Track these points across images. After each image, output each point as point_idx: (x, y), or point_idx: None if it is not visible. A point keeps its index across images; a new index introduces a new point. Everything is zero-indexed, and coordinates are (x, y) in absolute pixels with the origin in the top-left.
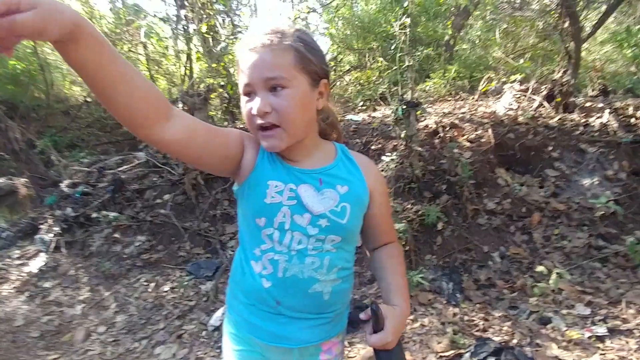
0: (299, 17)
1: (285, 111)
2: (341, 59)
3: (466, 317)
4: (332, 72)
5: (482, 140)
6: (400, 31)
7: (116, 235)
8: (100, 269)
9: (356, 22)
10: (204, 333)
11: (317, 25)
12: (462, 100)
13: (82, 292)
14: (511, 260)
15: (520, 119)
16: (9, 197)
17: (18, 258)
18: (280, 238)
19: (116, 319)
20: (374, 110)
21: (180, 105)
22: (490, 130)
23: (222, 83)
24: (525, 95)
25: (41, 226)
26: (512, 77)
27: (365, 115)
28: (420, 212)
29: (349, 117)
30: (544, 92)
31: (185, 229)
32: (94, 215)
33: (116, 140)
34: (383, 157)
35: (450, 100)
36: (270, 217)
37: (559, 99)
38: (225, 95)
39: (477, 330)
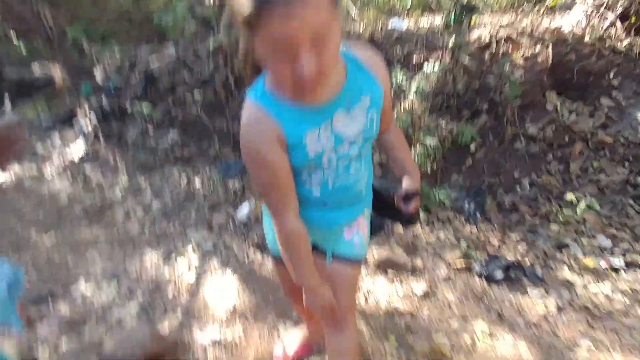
0: None
1: (328, 64)
2: None
3: (482, 236)
4: None
5: (539, 59)
6: None
7: (150, 129)
8: (136, 160)
9: None
10: (231, 225)
11: None
12: (525, 13)
13: (120, 178)
14: (540, 189)
15: (587, 38)
16: (46, 88)
17: (59, 144)
18: (329, 166)
19: (152, 205)
20: (422, 15)
21: None
22: (550, 48)
23: None
24: (597, 11)
25: (77, 115)
26: None
27: (411, 22)
28: (454, 131)
29: (392, 21)
30: (619, 10)
31: (215, 128)
32: (128, 108)
33: (145, 33)
34: (425, 66)
35: (511, 13)
36: (317, 163)
37: (633, 19)
38: None
39: (491, 248)
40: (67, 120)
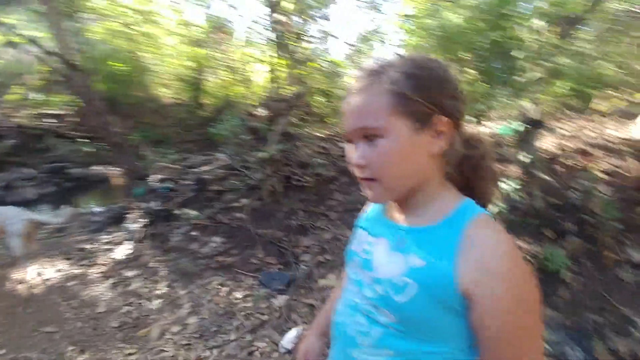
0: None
1: (380, 165)
2: None
3: None
4: None
5: (620, 171)
6: (531, 37)
7: (194, 233)
8: (177, 265)
9: (439, 33)
10: (275, 354)
11: (391, 37)
12: (571, 119)
13: (160, 286)
14: None
15: None
16: (101, 183)
17: (106, 243)
18: (350, 283)
19: (189, 321)
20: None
21: (264, 110)
22: (631, 159)
23: (304, 90)
24: None
25: (128, 215)
26: (638, 96)
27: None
28: (540, 255)
29: None
30: None
31: (259, 236)
32: (176, 211)
33: (197, 140)
34: (500, 184)
35: (561, 120)
36: (349, 261)
37: None
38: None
39: None
40: (117, 219)
